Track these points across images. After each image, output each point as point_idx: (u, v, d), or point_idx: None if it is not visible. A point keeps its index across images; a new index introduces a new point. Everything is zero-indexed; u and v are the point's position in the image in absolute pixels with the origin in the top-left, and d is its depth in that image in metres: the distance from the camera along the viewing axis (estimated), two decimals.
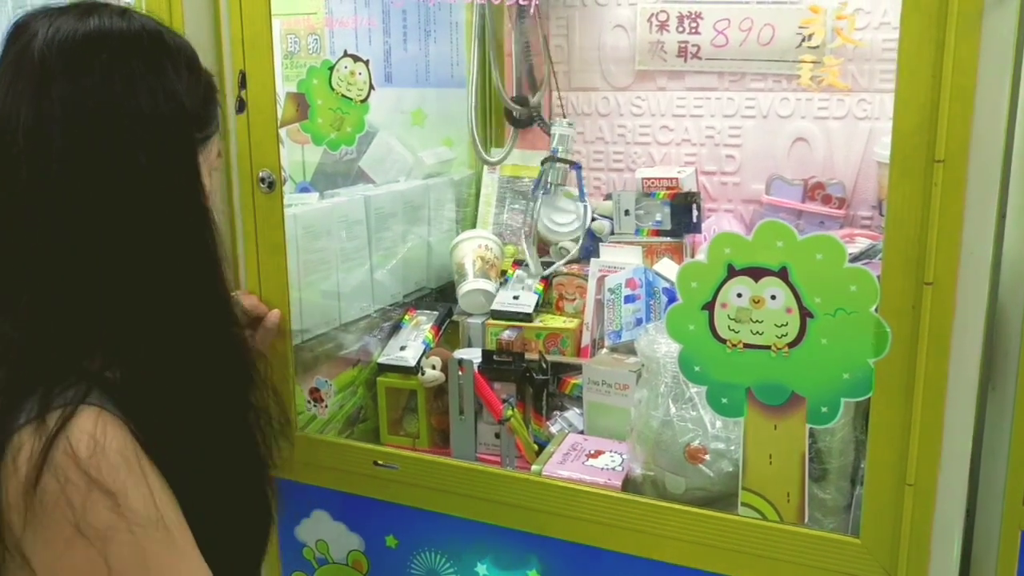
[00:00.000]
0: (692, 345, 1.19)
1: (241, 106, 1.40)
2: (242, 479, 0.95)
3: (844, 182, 1.81)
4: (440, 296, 2.02)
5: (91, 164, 0.85)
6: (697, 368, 1.19)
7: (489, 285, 1.85)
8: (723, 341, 1.17)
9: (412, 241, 1.95)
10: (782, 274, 1.13)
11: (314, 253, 1.67)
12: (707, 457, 1.25)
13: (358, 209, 1.78)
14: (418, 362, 1.75)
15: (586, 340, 1.80)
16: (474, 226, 2.09)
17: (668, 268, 1.70)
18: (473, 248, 1.93)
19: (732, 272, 1.15)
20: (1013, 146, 1.10)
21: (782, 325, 1.14)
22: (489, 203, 2.09)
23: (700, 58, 1.90)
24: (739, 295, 1.15)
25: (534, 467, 1.39)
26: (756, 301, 1.15)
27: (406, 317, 1.89)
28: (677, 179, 1.86)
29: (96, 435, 0.82)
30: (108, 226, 0.85)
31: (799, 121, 1.86)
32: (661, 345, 1.30)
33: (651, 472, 1.31)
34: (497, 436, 1.67)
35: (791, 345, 1.14)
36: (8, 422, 0.82)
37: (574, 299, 1.86)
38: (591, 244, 1.92)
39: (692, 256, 1.84)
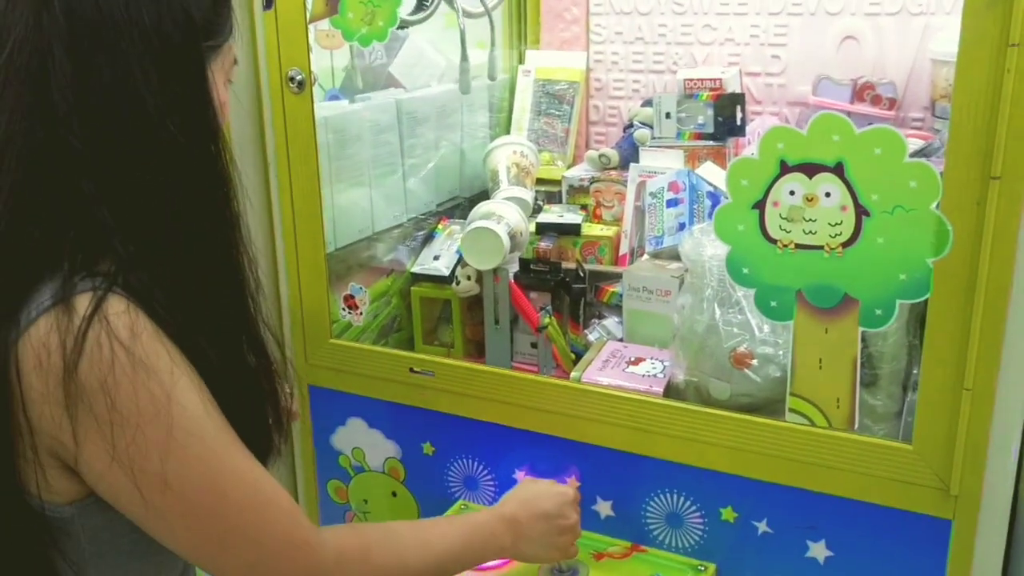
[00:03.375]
0: (741, 246, 1.14)
1: (268, 2, 1.35)
2: (245, 379, 0.93)
3: (895, 82, 1.72)
4: (472, 206, 1.96)
5: (94, 81, 0.80)
6: (746, 270, 1.14)
7: (525, 193, 1.80)
8: (774, 241, 1.12)
9: (445, 148, 1.89)
10: (838, 170, 1.07)
11: (344, 160, 1.62)
12: (754, 362, 1.22)
13: (389, 113, 1.73)
14: (452, 272, 1.72)
15: (624, 248, 1.75)
16: (508, 132, 2.03)
17: (711, 172, 1.64)
18: (507, 155, 1.87)
19: (785, 168, 1.09)
20: None
21: (836, 224, 1.09)
22: (524, 108, 2.02)
23: None
24: (792, 193, 1.10)
25: (573, 374, 1.36)
26: (809, 199, 1.09)
27: (439, 226, 1.85)
28: (721, 80, 1.78)
29: (131, 318, 0.80)
30: (113, 144, 0.81)
31: (848, 18, 1.77)
32: (707, 248, 1.25)
33: (694, 378, 1.27)
34: (533, 345, 1.65)
35: (845, 245, 1.09)
36: (21, 312, 0.80)
37: (612, 206, 1.81)
38: (630, 151, 1.86)
39: None
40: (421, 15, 1.57)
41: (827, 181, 1.08)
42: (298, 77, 1.36)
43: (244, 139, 1.44)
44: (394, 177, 1.76)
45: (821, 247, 1.10)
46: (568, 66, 2.00)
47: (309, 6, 1.35)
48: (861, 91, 1.73)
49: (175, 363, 0.82)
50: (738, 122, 1.75)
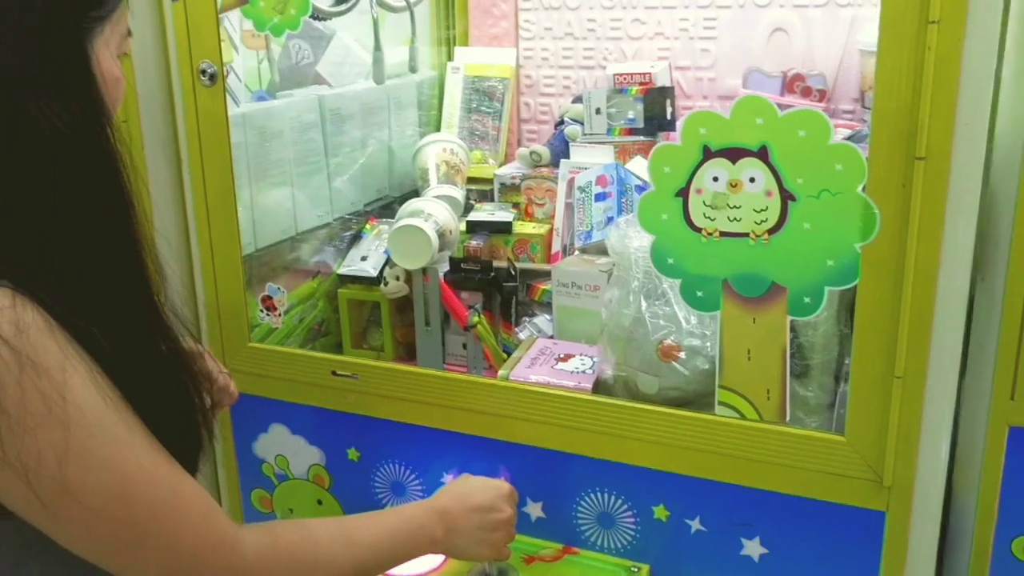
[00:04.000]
0: (665, 236, 1.11)
1: None
2: (158, 372, 0.87)
3: (825, 74, 1.71)
4: (401, 205, 1.92)
5: None
6: (670, 260, 1.11)
7: (455, 191, 1.75)
8: (698, 230, 1.09)
9: (372, 146, 1.84)
10: (762, 154, 1.04)
11: (266, 158, 1.57)
12: (681, 355, 1.18)
13: (312, 110, 1.68)
14: (380, 272, 1.67)
15: (556, 246, 1.71)
16: (438, 130, 1.99)
17: (641, 167, 1.61)
18: (437, 152, 1.83)
19: (708, 154, 1.07)
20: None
21: (762, 210, 1.06)
22: (454, 106, 1.98)
23: None
24: (715, 179, 1.07)
25: (501, 372, 1.32)
26: (733, 185, 1.06)
27: (367, 226, 1.80)
28: (650, 74, 1.76)
29: (17, 313, 0.74)
30: None
31: (777, 10, 1.75)
32: (632, 239, 1.22)
33: (623, 373, 1.23)
34: (465, 347, 1.60)
35: (771, 231, 1.06)
36: None
37: (544, 204, 1.77)
38: (562, 147, 1.83)
39: None
40: (342, 7, 1.52)
41: (751, 166, 1.05)
42: (209, 70, 1.31)
43: (156, 135, 1.38)
44: (319, 176, 1.71)
45: (747, 234, 1.07)
46: (498, 63, 1.97)
47: None
48: (791, 83, 1.71)
49: (68, 359, 0.76)
50: (668, 116, 1.73)
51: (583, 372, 1.29)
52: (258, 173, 1.55)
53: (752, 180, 1.05)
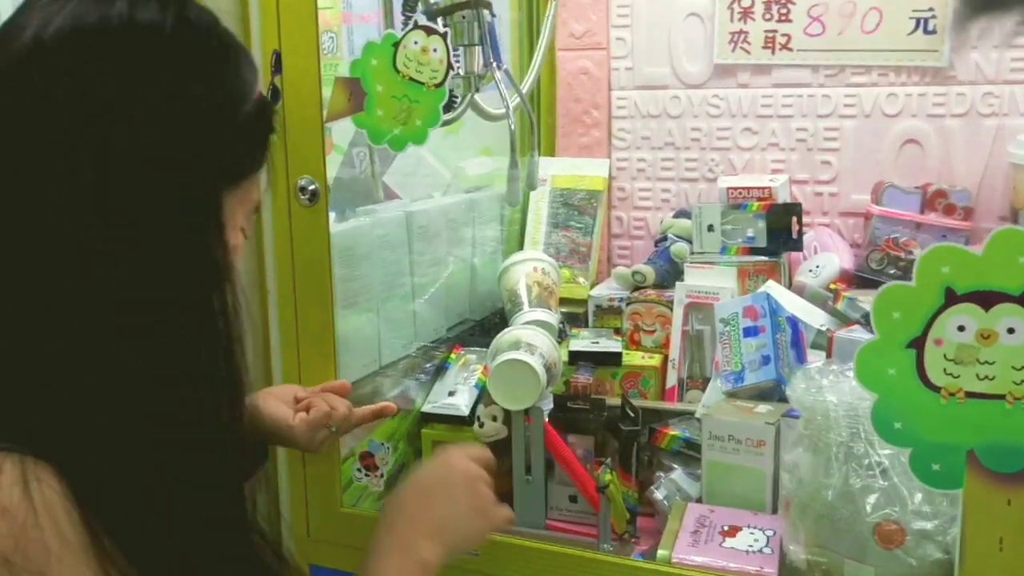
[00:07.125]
0: (892, 395, 0.90)
1: (275, 95, 1.11)
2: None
3: (969, 189, 1.54)
4: (484, 330, 1.72)
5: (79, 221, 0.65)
6: (898, 425, 0.90)
7: (550, 316, 1.55)
8: (937, 389, 0.88)
9: (454, 265, 1.65)
10: None
11: (351, 282, 1.37)
12: (907, 540, 0.97)
13: (399, 227, 1.49)
14: (472, 410, 1.46)
15: (672, 380, 1.51)
16: (521, 247, 1.80)
17: (777, 293, 1.42)
18: (527, 272, 1.63)
19: (952, 298, 0.87)
20: None
21: (1022, 368, 0.86)
22: (539, 221, 1.80)
23: (791, 49, 1.64)
24: (961, 328, 0.87)
25: (660, 552, 1.09)
26: (985, 336, 0.86)
27: (451, 356, 1.59)
28: (770, 188, 1.59)
29: (28, 485, 0.60)
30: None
31: (909, 120, 1.59)
32: (827, 392, 1.01)
33: (822, 559, 1.01)
34: (572, 500, 1.39)
35: None
36: None
37: (654, 331, 1.57)
38: (667, 267, 1.64)
39: (790, 279, 1.57)
40: (451, 114, 1.34)
41: (1010, 314, 0.85)
42: (311, 187, 1.12)
43: None
44: (401, 300, 1.51)
45: (1002, 396, 0.87)
46: (588, 174, 1.79)
47: (326, 102, 1.11)
48: (932, 200, 1.54)
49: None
50: (794, 235, 1.55)
51: (759, 552, 1.06)
52: (343, 300, 1.35)
53: (1011, 331, 0.85)
